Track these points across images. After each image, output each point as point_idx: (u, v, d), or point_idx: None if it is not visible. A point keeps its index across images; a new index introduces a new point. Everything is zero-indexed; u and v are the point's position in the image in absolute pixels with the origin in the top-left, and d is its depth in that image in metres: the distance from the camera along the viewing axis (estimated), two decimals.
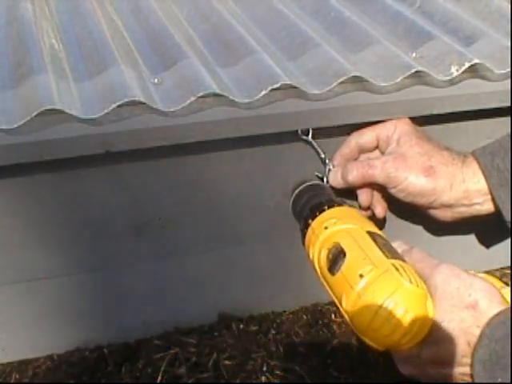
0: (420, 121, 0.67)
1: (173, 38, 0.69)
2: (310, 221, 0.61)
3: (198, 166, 0.65)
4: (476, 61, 0.66)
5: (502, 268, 0.86)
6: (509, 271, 0.85)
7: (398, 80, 0.64)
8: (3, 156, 0.55)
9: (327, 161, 0.67)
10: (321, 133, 0.65)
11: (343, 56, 0.67)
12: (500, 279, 0.56)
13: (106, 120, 0.57)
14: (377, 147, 0.67)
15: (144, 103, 0.57)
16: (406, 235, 0.77)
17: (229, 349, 0.72)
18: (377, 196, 0.69)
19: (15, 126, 0.54)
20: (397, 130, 0.65)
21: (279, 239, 0.73)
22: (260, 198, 0.69)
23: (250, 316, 0.77)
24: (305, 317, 0.78)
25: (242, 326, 0.76)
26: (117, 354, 0.72)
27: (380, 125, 0.66)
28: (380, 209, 0.70)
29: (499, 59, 0.69)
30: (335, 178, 0.67)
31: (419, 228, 0.78)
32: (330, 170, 0.67)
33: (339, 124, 0.64)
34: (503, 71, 0.68)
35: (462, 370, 0.50)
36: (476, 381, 0.48)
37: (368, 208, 0.70)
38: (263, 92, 0.60)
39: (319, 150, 0.66)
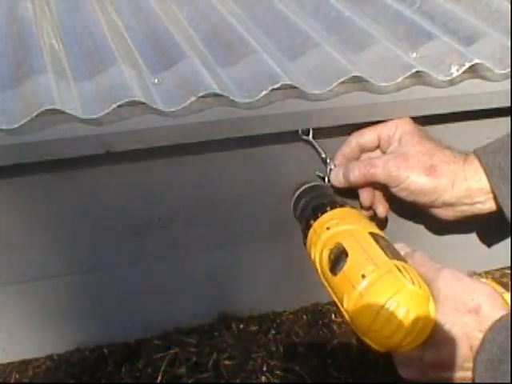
0: (420, 121, 0.67)
1: (173, 38, 0.69)
2: (312, 221, 0.61)
3: (198, 166, 0.65)
4: (476, 61, 0.66)
5: (502, 268, 0.86)
6: (509, 271, 0.85)
7: (399, 80, 0.64)
8: (3, 156, 0.55)
9: (328, 160, 0.67)
10: (321, 133, 0.65)
11: (343, 56, 0.67)
12: (500, 283, 0.56)
13: (106, 120, 0.57)
14: (378, 147, 0.67)
15: (144, 103, 0.57)
16: (408, 234, 0.77)
17: (229, 349, 0.72)
18: (378, 195, 0.69)
19: (15, 126, 0.54)
20: (398, 130, 0.65)
21: (279, 239, 0.73)
22: (260, 198, 0.69)
23: (250, 316, 0.77)
24: (305, 317, 0.78)
25: (242, 326, 0.76)
26: (117, 354, 0.72)
27: (381, 124, 0.66)
28: (382, 208, 0.70)
29: (499, 59, 0.69)
30: (337, 178, 0.67)
31: (421, 227, 0.78)
32: (331, 169, 0.67)
33: (339, 124, 0.64)
34: (503, 71, 0.68)
35: (463, 374, 0.50)
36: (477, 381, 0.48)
37: (370, 207, 0.70)
38: (263, 92, 0.60)
39: (320, 149, 0.66)
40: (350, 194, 0.70)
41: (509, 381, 0.45)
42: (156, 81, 0.63)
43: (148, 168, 0.63)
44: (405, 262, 0.53)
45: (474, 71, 0.69)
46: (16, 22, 0.71)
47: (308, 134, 0.65)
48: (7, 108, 0.57)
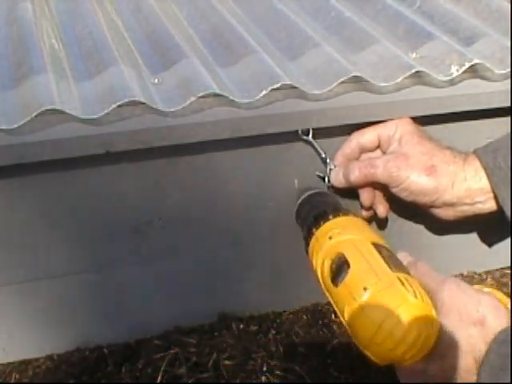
0: (420, 121, 0.67)
1: (173, 38, 0.69)
2: (314, 230, 0.60)
3: (198, 166, 0.65)
4: (476, 61, 0.66)
5: (502, 268, 0.86)
6: (509, 271, 0.85)
7: (398, 80, 0.64)
8: (3, 156, 0.55)
9: (328, 160, 0.67)
10: (321, 133, 0.65)
11: (343, 56, 0.67)
12: (500, 283, 0.55)
13: (106, 120, 0.57)
14: (378, 147, 0.67)
15: (144, 103, 0.57)
16: (408, 235, 0.78)
17: (229, 349, 0.72)
18: (379, 195, 0.69)
19: (15, 126, 0.54)
20: (398, 130, 0.65)
21: (279, 239, 0.73)
22: (260, 198, 0.69)
23: (250, 316, 0.77)
24: (305, 317, 0.78)
25: (242, 326, 0.76)
26: (117, 354, 0.72)
27: (381, 124, 0.66)
28: (382, 208, 0.70)
29: (499, 59, 0.69)
30: (337, 178, 0.67)
31: (421, 227, 0.78)
32: (331, 169, 0.67)
33: (339, 124, 0.64)
34: (503, 71, 0.68)
35: None
36: None
37: (370, 208, 0.70)
38: (263, 92, 0.60)
39: (320, 149, 0.66)
40: (350, 194, 0.70)
41: None
42: (156, 81, 0.63)
43: (148, 168, 0.63)
44: (407, 273, 0.52)
45: (473, 71, 0.69)
46: (16, 22, 0.71)
47: (308, 134, 0.65)
48: (7, 108, 0.57)
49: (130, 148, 0.58)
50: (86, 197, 0.63)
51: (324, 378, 0.69)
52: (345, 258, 0.53)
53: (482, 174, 0.61)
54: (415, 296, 0.48)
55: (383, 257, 0.53)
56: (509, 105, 0.67)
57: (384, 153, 0.67)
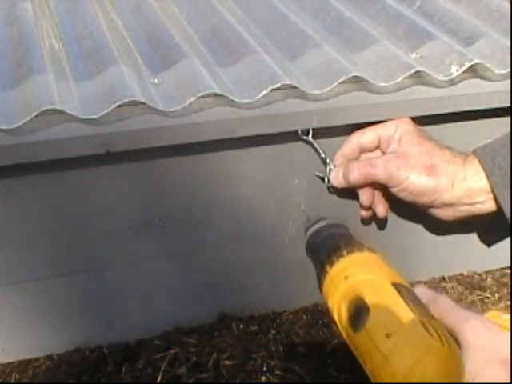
0: (420, 121, 0.67)
1: (173, 38, 0.69)
2: (328, 267, 0.56)
3: (198, 166, 0.65)
4: (476, 61, 0.66)
5: (502, 268, 0.86)
6: (509, 271, 0.85)
7: (398, 80, 0.64)
8: (3, 156, 0.55)
9: (328, 160, 0.67)
10: (321, 133, 0.65)
11: (343, 56, 0.67)
12: (500, 283, 0.54)
13: (106, 120, 0.57)
14: (378, 147, 0.67)
15: (144, 103, 0.57)
16: (407, 235, 0.78)
17: (229, 349, 0.72)
18: (378, 195, 0.69)
19: (15, 126, 0.54)
20: (398, 130, 0.65)
21: (279, 239, 0.73)
22: (260, 198, 0.69)
23: (250, 316, 0.77)
24: (305, 317, 0.78)
25: (241, 326, 0.76)
26: (117, 354, 0.72)
27: (381, 124, 0.66)
28: (381, 208, 0.70)
29: (499, 59, 0.69)
30: (336, 178, 0.67)
31: (420, 227, 0.78)
32: (330, 169, 0.67)
33: (339, 124, 0.64)
34: (503, 71, 0.68)
35: None
36: None
37: (369, 208, 0.70)
38: (263, 92, 0.60)
39: (319, 149, 0.66)
40: (349, 194, 0.70)
41: None
42: (156, 81, 0.63)
43: (148, 168, 0.63)
44: (430, 316, 0.49)
45: (473, 71, 0.69)
46: (16, 22, 0.71)
47: (308, 134, 0.65)
48: (7, 108, 0.57)
49: (129, 148, 0.58)
50: (85, 197, 0.63)
51: (324, 378, 0.69)
52: (364, 301, 0.50)
53: (482, 174, 0.61)
54: (441, 342, 0.45)
55: (404, 299, 0.49)
56: (509, 105, 0.67)
57: (384, 153, 0.67)
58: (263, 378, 0.69)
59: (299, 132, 0.64)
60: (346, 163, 0.66)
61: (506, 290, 0.81)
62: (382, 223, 0.75)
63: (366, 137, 0.66)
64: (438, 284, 0.82)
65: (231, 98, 0.60)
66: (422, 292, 0.53)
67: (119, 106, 0.56)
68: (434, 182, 0.62)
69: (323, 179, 0.68)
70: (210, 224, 0.69)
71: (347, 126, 0.65)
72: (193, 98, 0.59)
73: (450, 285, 0.82)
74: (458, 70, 0.66)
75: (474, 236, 0.81)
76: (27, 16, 0.71)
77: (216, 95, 0.60)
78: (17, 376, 0.70)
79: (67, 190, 0.62)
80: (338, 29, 0.75)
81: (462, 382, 0.46)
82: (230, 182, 0.67)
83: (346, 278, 0.53)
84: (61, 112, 0.55)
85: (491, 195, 0.62)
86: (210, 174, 0.66)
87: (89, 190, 0.62)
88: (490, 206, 0.63)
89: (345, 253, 0.56)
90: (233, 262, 0.73)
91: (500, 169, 0.60)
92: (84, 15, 0.74)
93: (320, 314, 0.78)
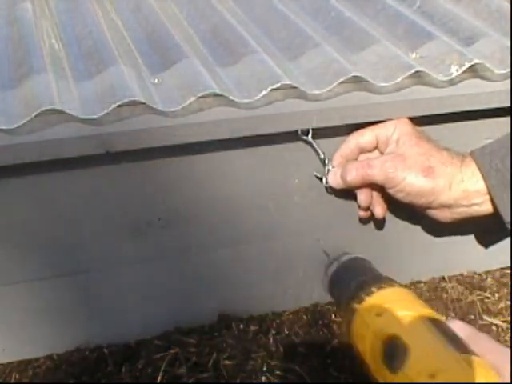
0: (420, 121, 0.67)
1: (173, 38, 0.69)
2: (356, 305, 0.52)
3: (198, 166, 0.65)
4: (476, 61, 0.66)
5: (502, 268, 0.86)
6: (509, 271, 0.85)
7: (398, 80, 0.64)
8: (3, 156, 0.55)
9: (327, 161, 0.67)
10: (321, 133, 0.65)
11: (343, 56, 0.67)
12: (500, 283, 0.54)
13: (106, 120, 0.57)
14: (376, 147, 0.67)
15: (144, 103, 0.57)
16: (407, 235, 0.77)
17: (229, 349, 0.72)
18: (376, 196, 0.69)
19: (15, 126, 0.54)
20: (396, 130, 0.65)
21: (279, 239, 0.73)
22: (260, 198, 0.69)
23: (250, 316, 0.77)
24: (305, 317, 0.78)
25: (242, 326, 0.75)
26: (117, 354, 0.72)
27: (380, 125, 0.66)
28: (379, 209, 0.70)
29: (499, 59, 0.69)
30: (334, 179, 0.67)
31: (418, 229, 0.78)
32: (329, 170, 0.67)
33: (339, 124, 0.64)
34: (503, 71, 0.68)
35: None
36: None
37: (367, 208, 0.70)
38: (263, 92, 0.60)
39: (319, 150, 0.66)
40: (348, 194, 0.70)
41: None
42: (156, 81, 0.63)
43: (148, 168, 0.63)
44: (471, 353, 0.46)
45: (473, 71, 0.69)
46: (16, 21, 0.71)
47: (307, 134, 0.65)
48: (7, 108, 0.57)
49: (129, 148, 0.58)
50: (85, 197, 0.63)
51: (324, 378, 0.69)
52: (401, 340, 0.47)
53: (479, 176, 0.61)
54: (486, 380, 0.43)
55: (444, 335, 0.47)
56: (509, 105, 0.67)
57: (382, 153, 0.67)
58: (263, 378, 0.69)
59: (299, 132, 0.64)
60: (345, 164, 0.66)
61: (506, 290, 0.81)
62: (380, 224, 0.75)
63: (365, 137, 0.66)
64: (438, 284, 0.82)
65: (231, 97, 0.60)
66: (459, 327, 0.50)
67: (119, 106, 0.56)
68: (432, 184, 0.62)
69: (321, 180, 0.68)
70: (210, 224, 0.69)
71: (347, 126, 0.65)
72: (193, 98, 0.59)
73: (450, 285, 0.82)
74: (457, 70, 0.66)
75: (473, 236, 0.81)
76: (27, 16, 0.71)
77: (216, 95, 0.60)
78: (17, 376, 0.70)
79: (67, 190, 0.62)
80: (338, 29, 0.75)
81: None
82: (230, 182, 0.67)
83: (378, 315, 0.50)
84: (61, 112, 0.55)
85: (488, 197, 0.62)
86: (210, 173, 0.66)
87: (89, 190, 0.62)
88: (487, 207, 0.63)
89: (374, 289, 0.53)
90: (233, 262, 0.73)
91: (497, 171, 0.60)
92: (84, 15, 0.74)
93: (320, 313, 0.78)
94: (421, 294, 0.80)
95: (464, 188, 0.62)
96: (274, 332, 0.75)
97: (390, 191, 0.64)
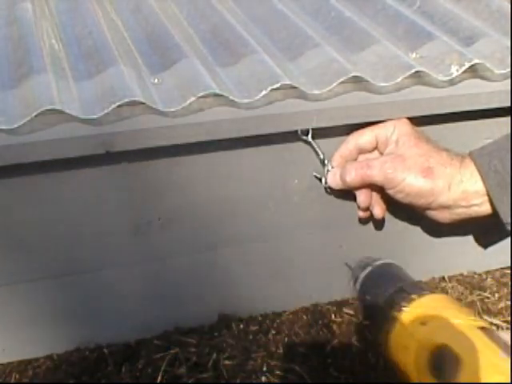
0: (420, 121, 0.67)
1: (173, 38, 0.69)
2: (395, 313, 0.50)
3: (198, 166, 0.65)
4: (476, 61, 0.66)
5: (502, 268, 0.86)
6: (509, 271, 0.85)
7: (398, 80, 0.64)
8: (3, 156, 0.55)
9: (326, 161, 0.67)
10: (320, 133, 0.65)
11: (343, 56, 0.67)
12: (500, 283, 0.53)
13: (106, 120, 0.57)
14: (376, 148, 0.67)
15: (144, 103, 0.57)
16: (406, 235, 0.77)
17: (229, 349, 0.72)
18: (376, 197, 0.69)
19: (15, 126, 0.54)
20: (396, 131, 0.65)
21: (279, 239, 0.73)
22: (260, 198, 0.69)
23: (250, 316, 0.77)
24: (305, 317, 0.78)
25: (242, 326, 0.76)
26: (117, 354, 0.72)
27: (379, 125, 0.66)
28: (379, 210, 0.70)
29: (499, 59, 0.69)
30: (334, 179, 0.67)
31: (418, 229, 0.78)
32: (328, 170, 0.67)
33: (339, 124, 0.64)
34: (503, 71, 0.68)
35: None
36: None
37: (367, 209, 0.70)
38: (263, 92, 0.60)
39: (318, 150, 0.66)
40: (348, 195, 0.70)
41: None
42: (156, 81, 0.63)
43: (148, 168, 0.63)
44: None
45: (473, 71, 0.69)
46: (16, 22, 0.71)
47: (307, 134, 0.65)
48: (7, 108, 0.57)
49: (129, 148, 0.58)
50: (85, 197, 0.63)
51: (324, 378, 0.69)
52: (452, 350, 0.44)
53: (478, 177, 0.61)
54: None
55: (497, 344, 0.45)
56: (509, 105, 0.67)
57: (381, 154, 0.67)
58: (263, 378, 0.69)
59: (299, 132, 0.64)
60: (344, 164, 0.66)
61: (506, 290, 0.81)
62: (379, 224, 0.75)
63: (364, 137, 0.66)
64: (438, 284, 0.82)
65: (231, 98, 0.60)
66: (506, 336, 0.48)
67: (119, 106, 0.56)
68: (431, 184, 0.62)
69: (321, 180, 0.68)
70: (210, 224, 0.69)
71: (347, 126, 0.65)
72: (193, 98, 0.59)
73: (450, 285, 0.82)
74: (457, 70, 0.66)
75: (472, 237, 0.81)
76: (27, 16, 0.71)
77: (216, 95, 0.60)
78: (17, 376, 0.70)
79: (67, 189, 0.62)
80: (338, 29, 0.75)
81: None
82: (230, 182, 0.67)
83: (423, 324, 0.48)
84: (61, 112, 0.55)
85: (487, 198, 0.62)
86: (210, 173, 0.66)
87: (89, 189, 0.62)
88: (486, 208, 0.63)
89: (414, 296, 0.50)
90: (233, 262, 0.73)
91: (496, 172, 0.60)
92: (84, 15, 0.74)
93: (320, 313, 0.78)
94: None
95: (463, 189, 0.62)
96: (273, 332, 0.75)
97: (390, 192, 0.64)
